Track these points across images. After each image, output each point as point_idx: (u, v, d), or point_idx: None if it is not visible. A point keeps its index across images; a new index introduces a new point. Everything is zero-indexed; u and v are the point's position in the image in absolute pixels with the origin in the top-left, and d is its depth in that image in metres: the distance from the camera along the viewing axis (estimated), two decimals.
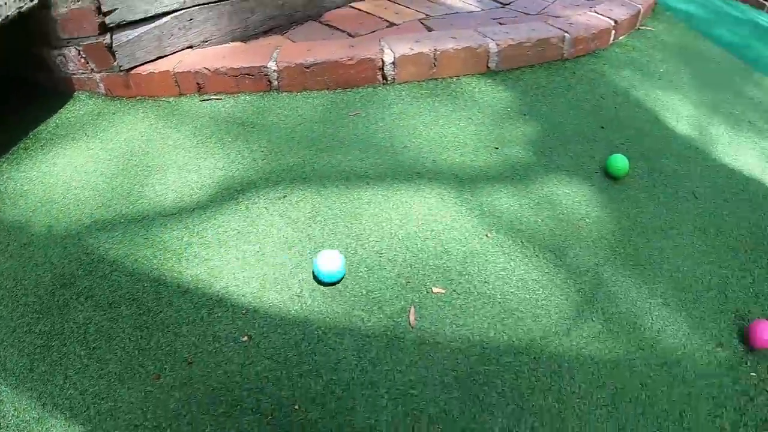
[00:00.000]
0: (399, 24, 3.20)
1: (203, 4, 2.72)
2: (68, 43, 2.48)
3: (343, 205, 2.00)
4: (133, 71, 2.61)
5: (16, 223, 1.99)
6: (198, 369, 1.57)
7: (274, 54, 2.61)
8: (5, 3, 2.02)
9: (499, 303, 1.78)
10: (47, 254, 1.86)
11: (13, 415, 1.46)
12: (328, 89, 2.64)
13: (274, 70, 2.56)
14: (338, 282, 1.78)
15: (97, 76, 2.61)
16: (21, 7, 2.10)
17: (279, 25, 3.11)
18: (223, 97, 2.58)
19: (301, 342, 1.62)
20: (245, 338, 1.62)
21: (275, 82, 2.59)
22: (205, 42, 2.81)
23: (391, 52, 2.61)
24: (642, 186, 2.35)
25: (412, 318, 1.67)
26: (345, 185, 2.08)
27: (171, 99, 2.59)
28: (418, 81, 2.75)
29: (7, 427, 1.45)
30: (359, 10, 3.40)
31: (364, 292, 1.74)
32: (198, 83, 2.57)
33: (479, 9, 3.60)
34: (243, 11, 2.89)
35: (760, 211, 2.37)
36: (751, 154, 2.73)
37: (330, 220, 1.95)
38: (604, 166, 2.37)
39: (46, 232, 1.92)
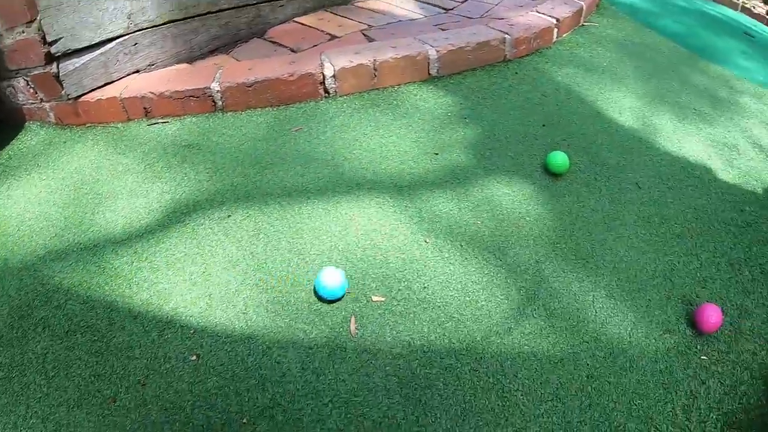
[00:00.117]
0: (341, 36, 3.26)
1: (147, 28, 2.77)
2: (16, 74, 2.52)
3: (285, 221, 2.07)
4: (81, 99, 2.65)
5: None
6: (151, 390, 1.64)
7: (217, 75, 2.67)
8: None
9: (439, 307, 1.85)
10: (4, 287, 1.92)
11: None
12: (271, 106, 2.70)
13: (218, 91, 2.62)
14: (340, 299, 1.86)
15: (47, 105, 2.65)
16: None
17: (224, 44, 3.17)
18: (170, 120, 2.64)
19: (248, 357, 1.69)
20: (194, 357, 1.70)
21: (219, 103, 2.65)
22: (151, 66, 2.87)
23: (331, 65, 2.68)
24: (583, 180, 2.43)
25: (352, 327, 1.75)
26: (287, 201, 2.15)
27: (120, 125, 2.65)
28: (360, 92, 2.81)
29: None
30: (302, 24, 3.47)
31: (306, 305, 1.81)
32: (145, 108, 2.63)
33: (422, 16, 3.67)
34: (187, 33, 2.94)
35: (706, 196, 2.44)
36: (696, 140, 2.81)
37: (272, 236, 2.02)
38: (544, 163, 2.44)
39: (2, 265, 1.98)
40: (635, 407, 1.69)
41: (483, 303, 1.89)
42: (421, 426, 1.57)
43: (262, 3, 3.26)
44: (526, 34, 3.19)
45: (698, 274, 2.10)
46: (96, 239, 2.06)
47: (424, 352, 1.74)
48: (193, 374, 1.66)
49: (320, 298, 1.84)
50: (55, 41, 2.43)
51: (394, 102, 2.75)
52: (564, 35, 3.59)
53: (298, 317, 1.78)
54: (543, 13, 3.48)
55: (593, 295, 1.97)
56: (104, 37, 2.64)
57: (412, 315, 1.82)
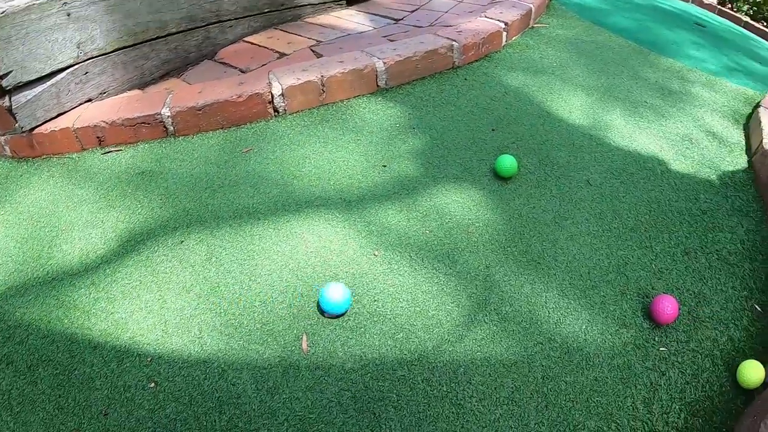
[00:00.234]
0: (290, 54, 3.31)
1: (97, 56, 2.81)
2: None
3: (236, 243, 2.13)
4: (35, 131, 2.69)
5: None
6: (113, 420, 1.69)
7: (167, 100, 2.71)
8: None
9: (390, 319, 1.91)
10: None
11: None
12: (222, 128, 2.75)
13: (168, 116, 2.67)
14: (344, 313, 1.91)
15: (2, 139, 2.68)
16: None
17: (175, 68, 3.21)
18: (123, 148, 2.68)
19: (204, 381, 1.75)
20: (153, 384, 1.75)
21: (171, 128, 2.70)
22: (103, 94, 2.91)
23: (279, 84, 2.73)
24: (533, 181, 2.48)
25: (304, 345, 1.81)
26: (238, 223, 2.21)
27: (74, 155, 2.68)
28: (310, 109, 2.86)
29: None
30: (252, 44, 3.51)
31: (259, 325, 1.87)
32: (98, 137, 2.67)
33: (371, 28, 3.71)
34: (137, 59, 2.98)
35: (659, 188, 2.49)
36: (648, 133, 2.86)
37: (225, 259, 2.07)
38: (493, 168, 2.48)
39: None
40: (594, 404, 1.73)
41: (433, 312, 1.93)
42: None
43: (210, 24, 3.30)
44: (474, 40, 3.23)
45: (653, 266, 2.14)
46: (54, 272, 2.10)
47: (376, 365, 1.78)
48: (152, 401, 1.71)
49: (325, 314, 1.91)
50: (6, 74, 2.46)
51: (343, 117, 2.80)
52: (513, 38, 3.64)
53: (251, 338, 1.83)
54: (491, 18, 3.53)
55: (546, 296, 2.01)
56: (55, 68, 2.66)
57: (362, 329, 1.87)
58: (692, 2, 5.95)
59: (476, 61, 3.32)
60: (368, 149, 2.60)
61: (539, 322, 1.92)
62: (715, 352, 1.89)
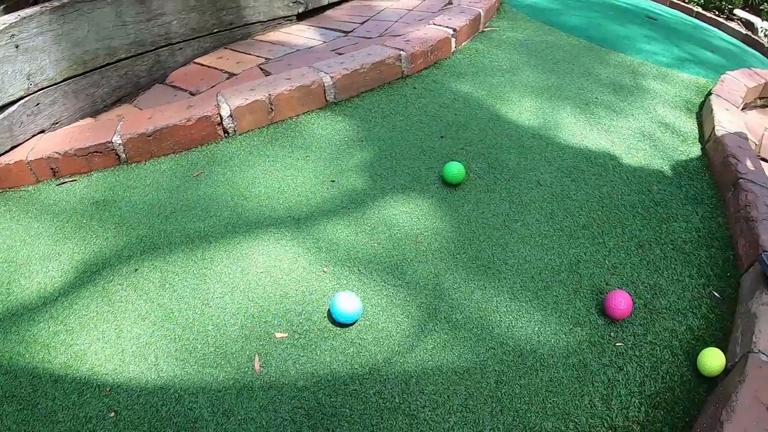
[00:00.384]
0: (239, 74, 3.36)
1: (48, 86, 2.85)
2: None
3: (189, 268, 2.19)
4: None
5: None
6: None
7: (118, 127, 2.76)
8: None
9: (340, 335, 1.96)
10: None
11: None
12: (174, 153, 2.80)
13: (120, 144, 2.71)
14: (355, 322, 1.96)
15: None
16: None
17: (127, 94, 3.25)
18: (77, 178, 2.72)
19: (162, 407, 1.80)
20: (113, 414, 1.81)
21: (123, 155, 2.74)
22: (56, 124, 2.95)
23: (227, 105, 2.79)
24: (483, 186, 2.53)
25: (257, 366, 1.88)
26: (190, 248, 2.26)
27: (30, 187, 2.72)
28: (260, 128, 2.91)
29: None
30: (202, 65, 3.55)
31: (213, 349, 1.93)
32: (52, 168, 2.71)
33: (321, 42, 3.75)
34: (88, 87, 3.02)
35: (611, 184, 2.55)
36: (599, 129, 2.93)
37: (178, 285, 2.13)
38: (441, 176, 2.53)
39: None
40: (550, 405, 1.75)
41: (383, 325, 1.98)
42: None
43: (160, 48, 3.34)
44: (423, 48, 3.29)
45: (607, 262, 2.19)
46: (14, 308, 2.15)
47: (328, 381, 1.83)
48: (113, 431, 1.75)
49: (338, 323, 1.96)
50: None
51: (293, 134, 2.86)
52: (463, 44, 3.70)
53: (206, 362, 1.89)
54: (439, 25, 3.59)
55: (497, 301, 2.05)
56: (6, 101, 2.69)
57: (313, 346, 1.93)
58: None
59: (425, 69, 3.37)
60: (317, 165, 2.65)
61: (491, 327, 1.96)
62: (674, 343, 1.93)
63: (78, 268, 2.24)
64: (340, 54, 3.42)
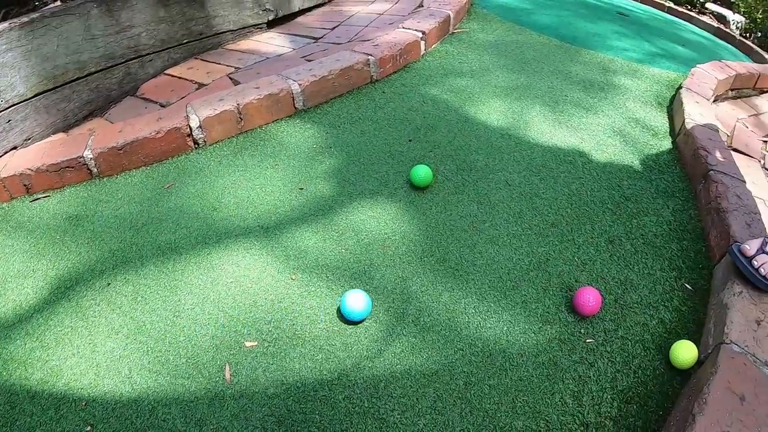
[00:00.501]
0: (208, 84, 3.39)
1: (18, 103, 2.88)
2: None
3: (160, 280, 2.23)
4: None
5: None
6: None
7: (89, 141, 2.80)
8: None
9: (309, 341, 2.00)
10: None
11: None
12: (145, 165, 2.83)
13: (91, 158, 2.74)
14: (364, 320, 2.00)
15: None
16: None
17: (98, 107, 3.28)
18: (50, 194, 2.75)
19: (136, 420, 1.85)
20: (89, 428, 1.85)
21: (95, 169, 2.78)
22: (28, 140, 2.98)
23: (196, 116, 2.83)
24: (451, 188, 2.57)
25: (227, 375, 1.93)
26: (161, 260, 2.31)
27: (4, 204, 2.76)
28: (229, 137, 2.95)
29: None
30: (172, 76, 3.58)
31: (185, 360, 1.98)
32: (25, 184, 2.75)
33: (291, 49, 3.78)
34: (59, 101, 3.06)
35: (580, 181, 2.58)
36: (568, 127, 2.96)
37: (150, 298, 2.18)
38: (409, 179, 2.56)
39: None
40: (520, 404, 1.78)
41: (351, 330, 2.02)
42: None
43: (130, 60, 3.38)
44: (391, 52, 3.33)
45: (576, 259, 2.23)
46: None
47: (297, 387, 1.87)
48: None
49: (349, 321, 1.99)
50: None
51: (262, 143, 2.90)
52: (433, 46, 3.74)
53: (178, 373, 1.94)
54: (408, 29, 3.62)
55: (465, 302, 2.09)
56: None
57: (282, 354, 1.97)
58: None
59: (395, 72, 3.41)
60: (286, 173, 2.70)
61: (459, 329, 2.00)
62: (645, 337, 1.96)
63: (52, 284, 2.28)
64: (309, 61, 3.46)
